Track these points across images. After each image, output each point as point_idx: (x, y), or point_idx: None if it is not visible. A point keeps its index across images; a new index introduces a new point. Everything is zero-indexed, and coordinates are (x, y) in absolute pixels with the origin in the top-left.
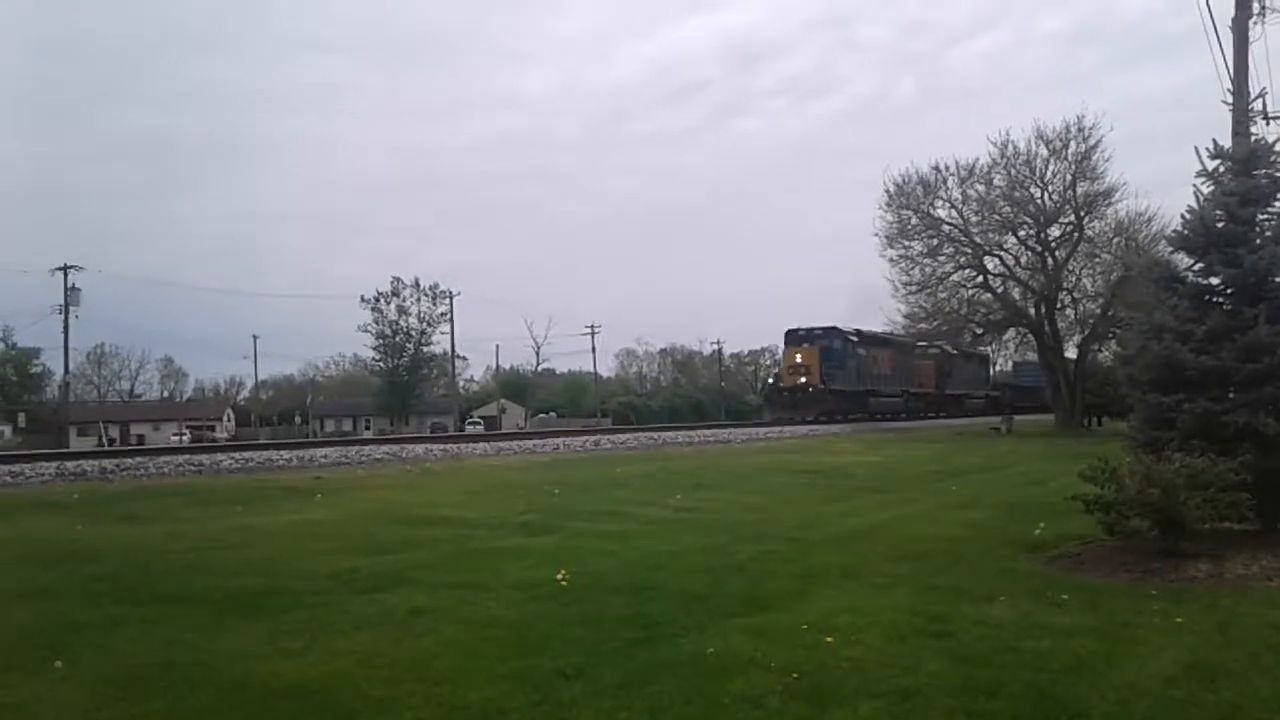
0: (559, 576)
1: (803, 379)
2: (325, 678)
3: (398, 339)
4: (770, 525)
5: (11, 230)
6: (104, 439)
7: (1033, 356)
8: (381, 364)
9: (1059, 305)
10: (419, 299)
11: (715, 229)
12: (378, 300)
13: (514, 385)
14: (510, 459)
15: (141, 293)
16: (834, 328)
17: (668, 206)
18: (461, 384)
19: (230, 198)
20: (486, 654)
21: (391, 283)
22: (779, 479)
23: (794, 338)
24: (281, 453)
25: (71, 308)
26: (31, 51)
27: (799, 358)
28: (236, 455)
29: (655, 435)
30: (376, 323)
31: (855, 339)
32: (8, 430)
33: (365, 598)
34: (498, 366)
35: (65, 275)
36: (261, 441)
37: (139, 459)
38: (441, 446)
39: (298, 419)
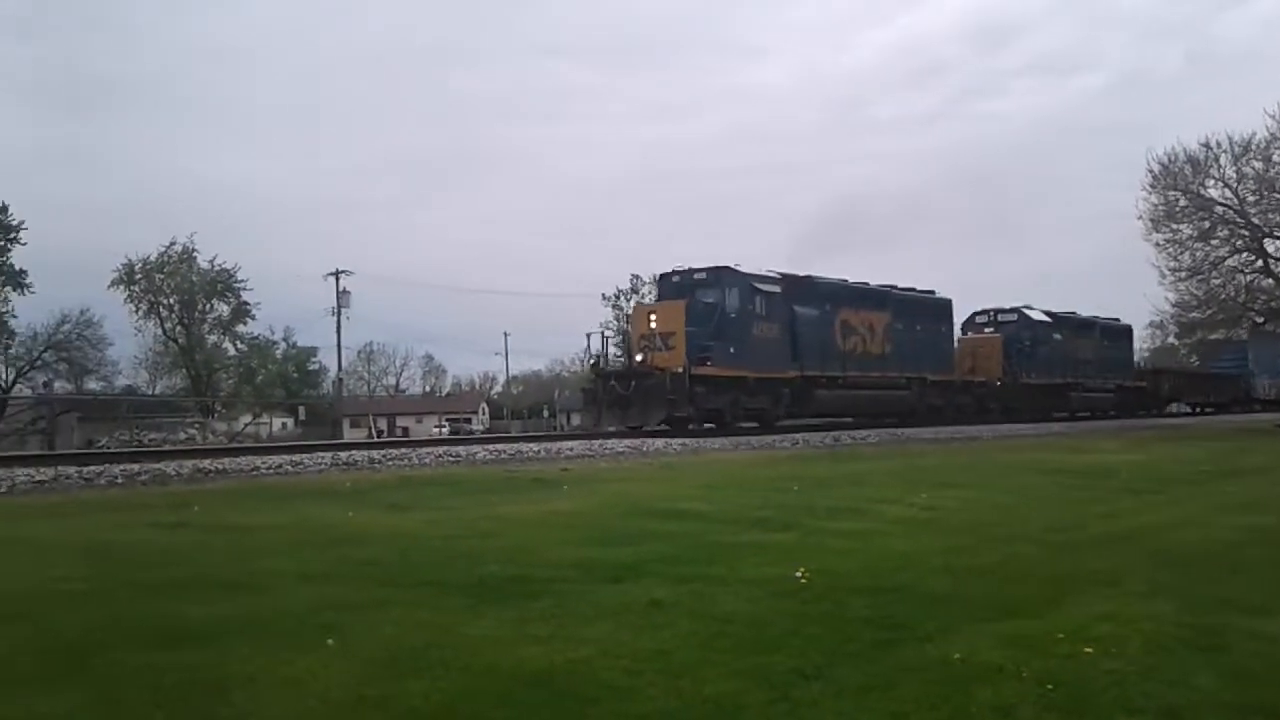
0: (798, 574)
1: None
2: (569, 665)
3: None
4: (1020, 526)
5: (288, 240)
6: (373, 431)
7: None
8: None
9: None
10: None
11: (956, 214)
12: (618, 297)
13: None
14: (748, 453)
15: (404, 294)
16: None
17: (906, 192)
18: None
19: (479, 203)
20: (724, 648)
21: (631, 280)
22: (1029, 478)
23: (668, 286)
24: (531, 445)
25: (343, 309)
26: (296, 75)
27: (653, 321)
28: (490, 447)
29: (898, 431)
30: (616, 319)
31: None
32: (290, 422)
33: (607, 588)
34: None
35: (337, 279)
36: (513, 434)
37: (403, 449)
38: (680, 441)
39: (545, 412)
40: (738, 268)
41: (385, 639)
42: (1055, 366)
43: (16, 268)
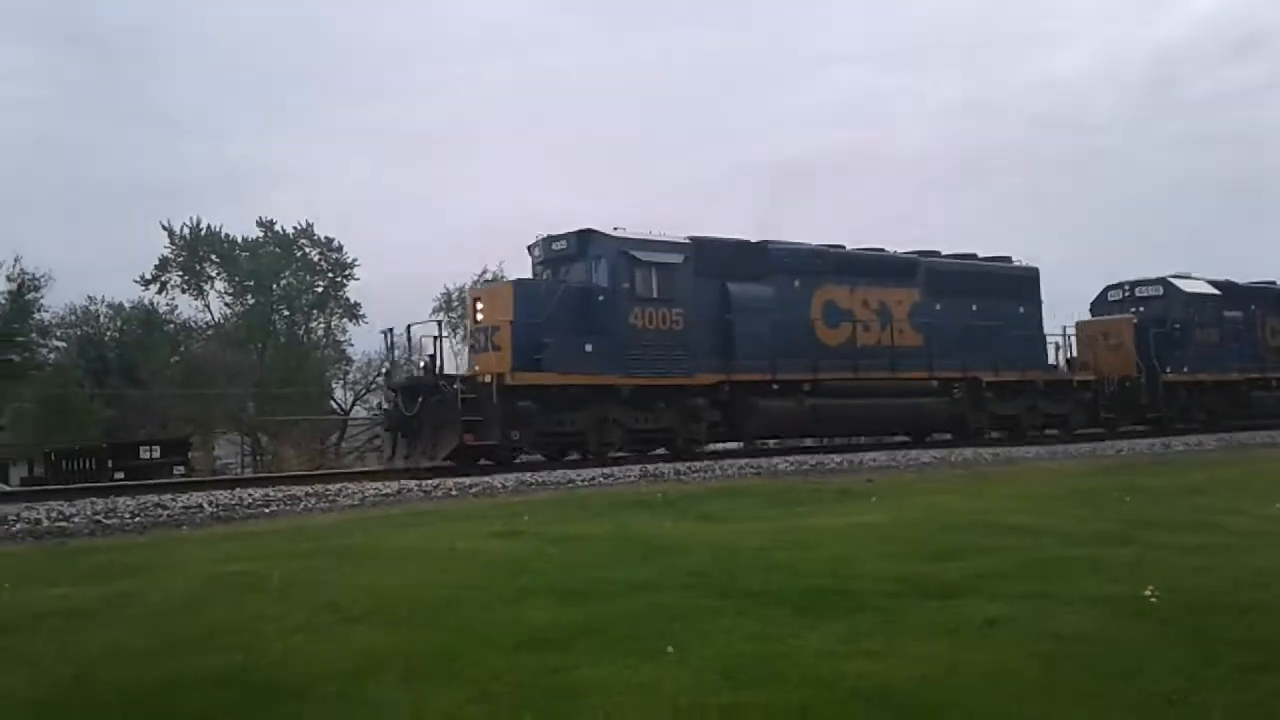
0: (1146, 592)
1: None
2: (908, 681)
3: None
4: None
5: None
6: None
7: None
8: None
9: None
10: None
11: None
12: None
13: None
14: (1068, 463)
15: None
16: (1168, 279)
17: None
18: None
19: (819, 212)
20: (1072, 670)
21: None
22: None
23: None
24: (833, 456)
25: None
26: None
27: (479, 311)
28: (790, 458)
29: (1232, 435)
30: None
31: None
32: None
33: (935, 604)
34: None
35: None
36: (810, 445)
37: (707, 461)
38: (992, 450)
39: None
40: (614, 231)
41: (720, 648)
42: (1227, 357)
43: (351, 300)
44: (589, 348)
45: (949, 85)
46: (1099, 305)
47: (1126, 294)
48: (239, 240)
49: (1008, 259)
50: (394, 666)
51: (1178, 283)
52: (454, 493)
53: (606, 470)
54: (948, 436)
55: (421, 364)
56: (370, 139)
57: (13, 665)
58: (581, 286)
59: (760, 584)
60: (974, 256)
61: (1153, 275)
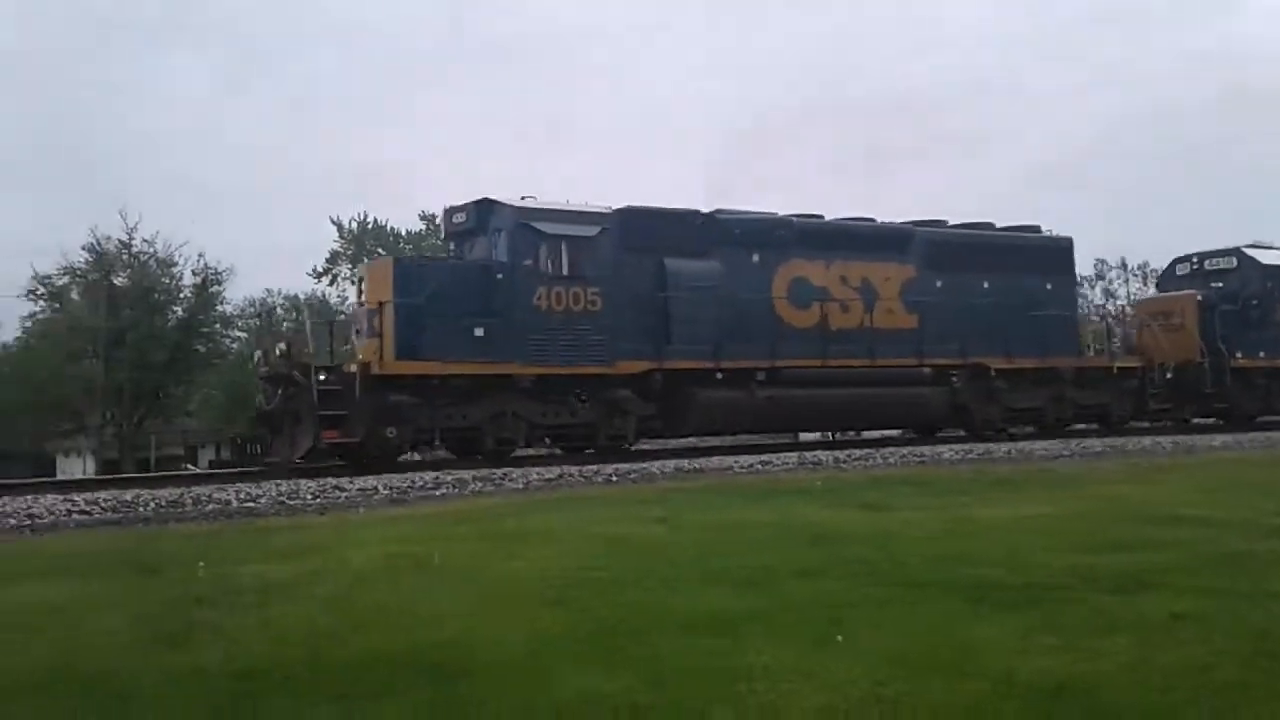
0: None
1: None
2: (1090, 678)
3: None
4: None
5: None
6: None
7: None
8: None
9: None
10: None
11: None
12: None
13: None
14: (1249, 452)
15: None
16: (1242, 250)
17: None
18: None
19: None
20: (1270, 669)
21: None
22: None
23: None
24: (1000, 445)
25: None
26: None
27: (364, 291)
28: (956, 447)
29: None
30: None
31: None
32: None
33: (1113, 598)
34: None
35: None
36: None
37: (866, 450)
38: (1171, 439)
39: None
40: (516, 201)
41: (891, 638)
42: None
43: None
44: (479, 332)
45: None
46: (1165, 281)
47: (1195, 268)
48: (403, 234)
49: (1035, 229)
50: (564, 648)
51: (1254, 253)
52: (614, 479)
53: (764, 458)
54: (960, 433)
55: (278, 350)
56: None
57: (212, 638)
58: (478, 263)
59: (929, 574)
60: (990, 226)
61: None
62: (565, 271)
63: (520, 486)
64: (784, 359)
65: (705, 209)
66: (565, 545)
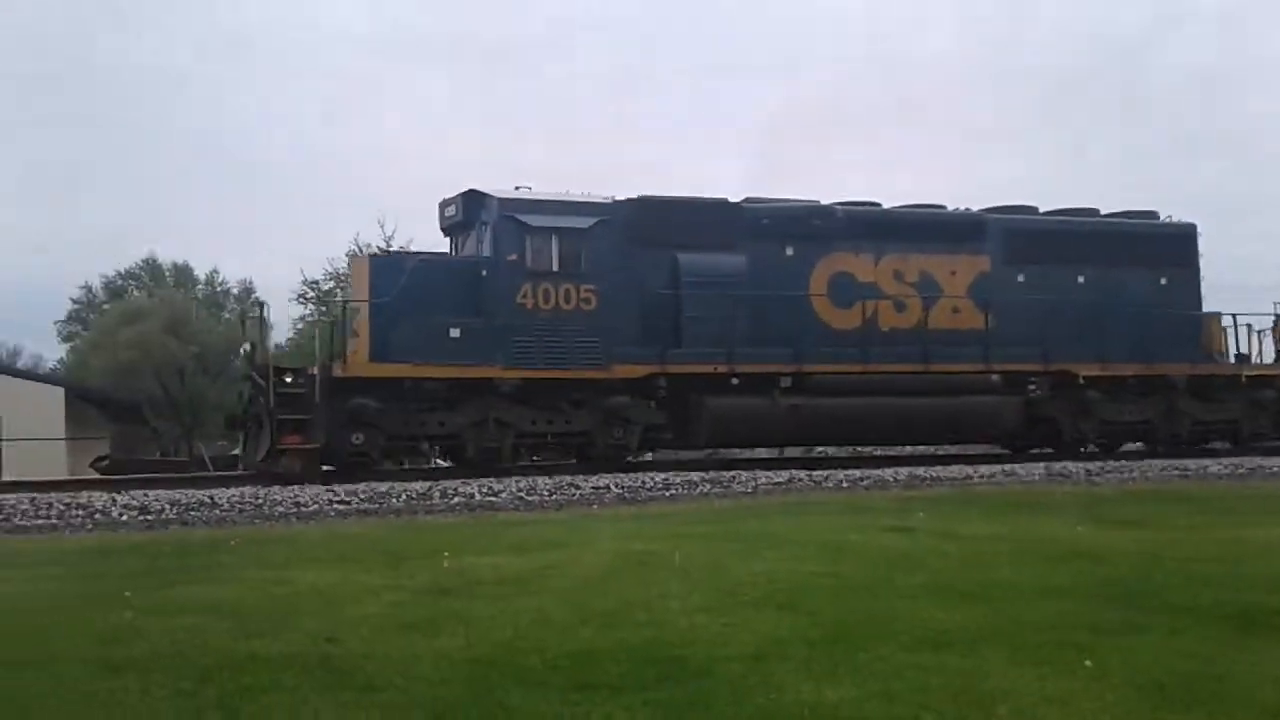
0: None
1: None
2: None
3: None
4: None
5: None
6: None
7: None
8: None
9: None
10: None
11: None
12: None
13: None
14: None
15: None
16: None
17: None
18: None
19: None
20: None
21: None
22: None
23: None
24: (1272, 460)
25: None
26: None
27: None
28: (1225, 461)
29: None
30: None
31: None
32: None
33: None
34: None
35: None
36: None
37: (1125, 460)
38: None
39: None
40: (504, 192)
41: (1146, 665)
42: None
43: None
44: (455, 332)
45: None
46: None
47: None
48: None
49: (1152, 215)
50: (793, 653)
51: None
52: (844, 485)
53: (1006, 468)
54: (1049, 450)
55: (243, 350)
56: None
57: (454, 626)
58: (459, 260)
59: (1187, 598)
60: (1094, 213)
61: None
62: (555, 267)
63: (749, 490)
64: (815, 363)
65: (733, 198)
66: (795, 550)
